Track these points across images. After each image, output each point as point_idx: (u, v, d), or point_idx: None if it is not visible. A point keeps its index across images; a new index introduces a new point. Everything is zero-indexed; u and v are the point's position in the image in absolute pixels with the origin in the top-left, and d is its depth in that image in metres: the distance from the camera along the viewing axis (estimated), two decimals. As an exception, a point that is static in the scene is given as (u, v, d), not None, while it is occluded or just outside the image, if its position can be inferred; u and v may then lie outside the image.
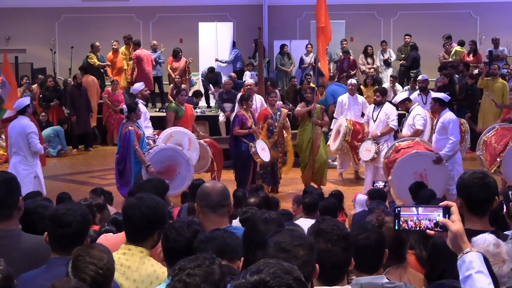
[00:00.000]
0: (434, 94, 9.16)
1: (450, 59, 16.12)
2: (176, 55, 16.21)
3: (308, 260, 2.52)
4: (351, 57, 16.45)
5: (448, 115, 8.82)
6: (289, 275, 1.87)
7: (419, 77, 12.94)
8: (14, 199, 3.49)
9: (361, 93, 13.22)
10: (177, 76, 15.73)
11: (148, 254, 3.37)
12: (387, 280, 3.11)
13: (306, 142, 10.77)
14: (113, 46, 16.41)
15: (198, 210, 3.78)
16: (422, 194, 6.76)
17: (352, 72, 15.90)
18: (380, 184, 8.11)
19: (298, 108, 11.07)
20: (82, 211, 3.21)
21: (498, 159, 9.13)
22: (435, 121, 9.26)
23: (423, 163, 8.84)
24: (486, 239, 2.92)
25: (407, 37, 16.94)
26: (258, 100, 11.63)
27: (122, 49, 16.34)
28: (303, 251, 2.53)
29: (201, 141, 10.41)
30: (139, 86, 10.82)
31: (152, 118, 13.37)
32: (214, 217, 3.71)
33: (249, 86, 11.84)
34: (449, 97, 9.22)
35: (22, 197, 3.60)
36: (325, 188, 10.16)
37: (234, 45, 17.31)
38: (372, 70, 16.42)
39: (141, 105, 10.17)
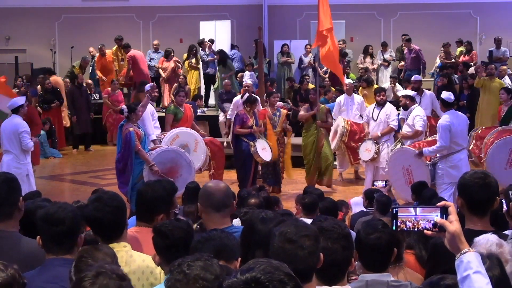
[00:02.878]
0: (442, 95, 9.03)
1: (453, 60, 16.11)
2: (168, 56, 16.21)
3: (313, 250, 2.52)
4: (344, 60, 16.41)
5: (443, 119, 8.63)
6: (279, 271, 1.87)
7: (412, 78, 12.85)
8: (14, 199, 3.49)
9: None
10: (181, 77, 15.73)
11: (131, 248, 3.40)
12: (393, 279, 3.13)
13: (310, 144, 10.79)
14: (102, 50, 16.45)
15: (201, 210, 3.79)
16: (423, 194, 6.75)
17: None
18: (380, 184, 8.10)
19: (301, 112, 11.09)
20: (71, 208, 3.24)
21: (481, 160, 9.17)
22: None
23: (407, 159, 8.94)
24: (489, 239, 2.92)
25: (404, 37, 16.93)
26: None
27: (113, 49, 16.32)
28: (309, 241, 2.53)
29: None
30: (147, 86, 10.74)
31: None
32: (217, 217, 3.72)
33: (247, 88, 11.86)
34: (453, 99, 9.08)
35: (22, 197, 3.60)
36: (325, 189, 10.16)
37: (232, 47, 17.29)
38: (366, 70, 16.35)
39: (149, 105, 10.11)
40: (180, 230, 3.22)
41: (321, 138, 10.75)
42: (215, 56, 16.13)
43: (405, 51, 16.35)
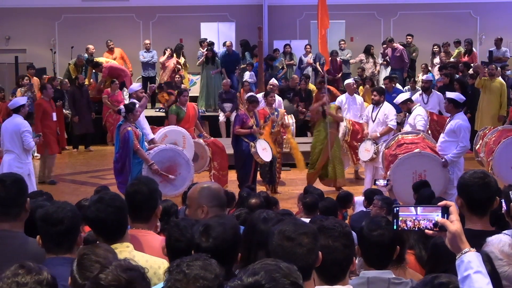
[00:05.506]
0: (448, 94, 8.96)
1: (452, 59, 16.12)
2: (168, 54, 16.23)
3: (312, 247, 2.54)
4: (338, 60, 16.38)
5: (461, 120, 8.56)
6: (285, 279, 1.85)
7: (424, 77, 12.93)
8: (23, 200, 3.50)
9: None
10: (177, 76, 15.74)
11: (133, 248, 3.39)
12: (394, 276, 3.14)
13: (319, 143, 10.76)
14: (109, 46, 16.55)
15: (206, 211, 3.72)
16: (421, 194, 6.75)
17: (338, 75, 15.78)
18: (381, 183, 8.07)
19: (312, 106, 11.16)
20: (71, 207, 3.24)
21: (488, 159, 9.12)
22: (447, 121, 9.01)
23: (424, 164, 8.70)
24: (501, 239, 2.91)
25: (408, 37, 16.94)
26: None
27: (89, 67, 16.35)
28: (307, 239, 2.54)
29: (199, 140, 10.40)
30: (135, 86, 10.87)
31: (151, 118, 13.42)
32: None
33: (272, 86, 11.97)
34: (464, 98, 9.02)
35: (29, 198, 3.60)
36: (325, 188, 10.17)
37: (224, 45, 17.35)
38: (372, 70, 16.42)
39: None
40: (185, 241, 3.17)
41: (331, 137, 10.66)
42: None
43: (388, 51, 16.38)
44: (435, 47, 16.47)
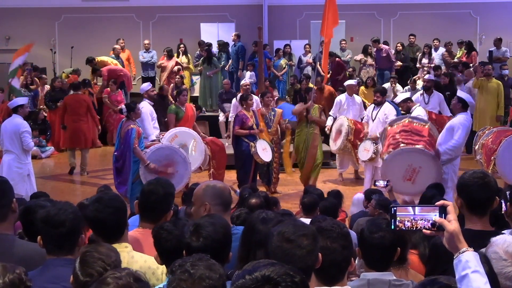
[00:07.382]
0: (460, 93, 8.93)
1: (455, 60, 16.13)
2: (170, 54, 16.21)
3: (312, 249, 2.53)
4: (337, 59, 16.35)
5: (461, 118, 8.53)
6: (285, 267, 1.87)
7: (426, 76, 12.93)
8: (7, 201, 3.45)
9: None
10: (177, 77, 15.74)
11: (132, 248, 3.39)
12: (395, 278, 3.14)
13: (301, 142, 10.70)
14: (121, 45, 16.65)
15: (208, 208, 3.76)
16: (424, 195, 6.72)
17: (340, 76, 15.75)
18: (381, 184, 8.06)
19: (296, 107, 11.07)
20: (73, 209, 3.22)
21: (492, 157, 9.09)
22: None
23: (422, 161, 8.63)
24: (506, 239, 2.89)
25: (411, 37, 16.93)
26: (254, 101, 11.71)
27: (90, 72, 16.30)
28: (307, 241, 2.53)
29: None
30: (145, 86, 10.85)
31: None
32: (225, 216, 3.73)
33: (247, 87, 11.83)
34: (473, 102, 8.96)
35: (15, 199, 3.55)
36: (324, 188, 10.15)
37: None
38: (372, 71, 16.41)
39: (148, 105, 10.18)
40: (174, 239, 3.19)
41: (314, 138, 10.63)
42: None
43: (373, 52, 16.38)
44: (426, 47, 16.44)
